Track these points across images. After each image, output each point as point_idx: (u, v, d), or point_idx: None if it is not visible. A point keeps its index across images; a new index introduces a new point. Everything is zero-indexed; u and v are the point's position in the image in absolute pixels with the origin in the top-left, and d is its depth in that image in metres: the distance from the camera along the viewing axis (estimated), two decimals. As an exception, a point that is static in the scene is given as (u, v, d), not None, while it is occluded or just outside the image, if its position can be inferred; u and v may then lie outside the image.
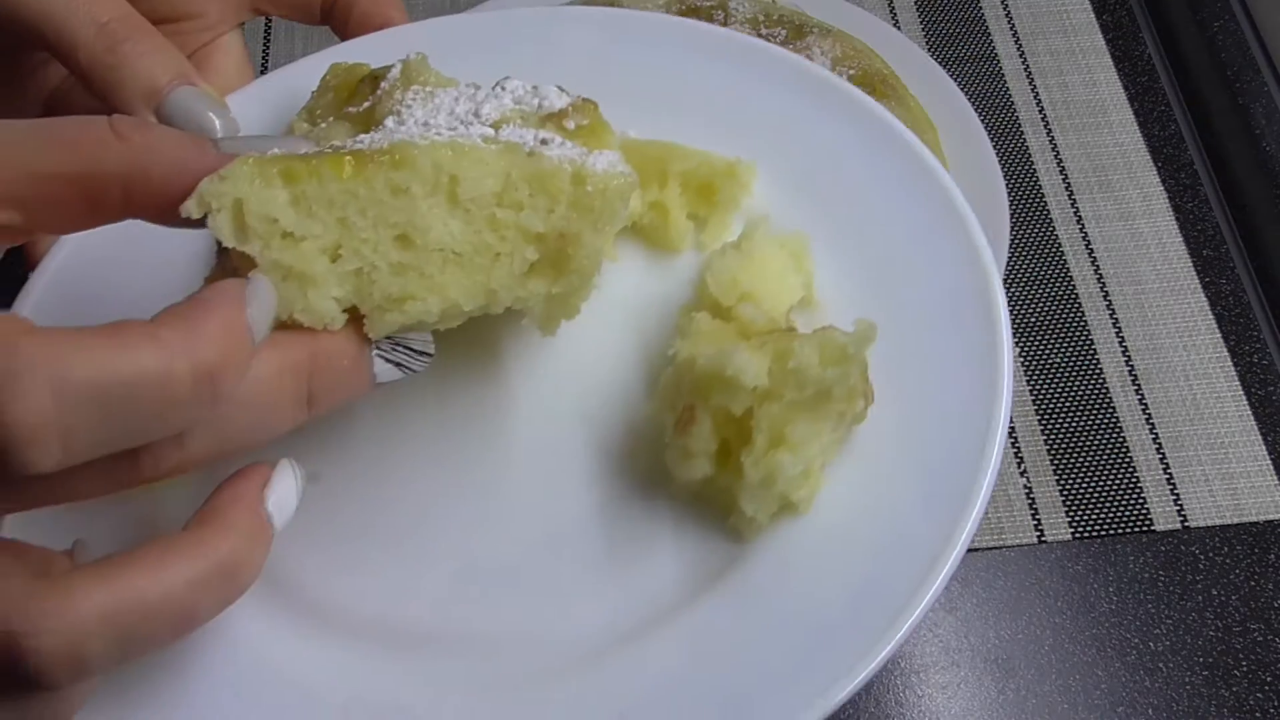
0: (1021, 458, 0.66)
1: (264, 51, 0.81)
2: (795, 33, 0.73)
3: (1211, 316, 0.71)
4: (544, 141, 0.35)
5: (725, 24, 0.74)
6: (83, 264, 0.42)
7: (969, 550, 0.63)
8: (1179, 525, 0.64)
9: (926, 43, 0.83)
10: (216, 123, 0.42)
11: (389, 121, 0.36)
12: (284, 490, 0.32)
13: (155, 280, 0.40)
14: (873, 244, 0.42)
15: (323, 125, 0.40)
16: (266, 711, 0.35)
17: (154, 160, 0.30)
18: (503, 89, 0.37)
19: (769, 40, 0.73)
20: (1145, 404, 0.68)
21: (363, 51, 0.44)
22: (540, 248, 0.34)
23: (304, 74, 0.44)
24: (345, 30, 0.48)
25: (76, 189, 0.29)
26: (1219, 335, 0.70)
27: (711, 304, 0.40)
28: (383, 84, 0.40)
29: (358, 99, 0.40)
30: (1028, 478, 0.65)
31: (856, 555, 0.36)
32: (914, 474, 0.38)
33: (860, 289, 0.42)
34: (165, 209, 0.31)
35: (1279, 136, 0.76)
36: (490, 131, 0.35)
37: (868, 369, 0.38)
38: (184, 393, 0.27)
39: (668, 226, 0.44)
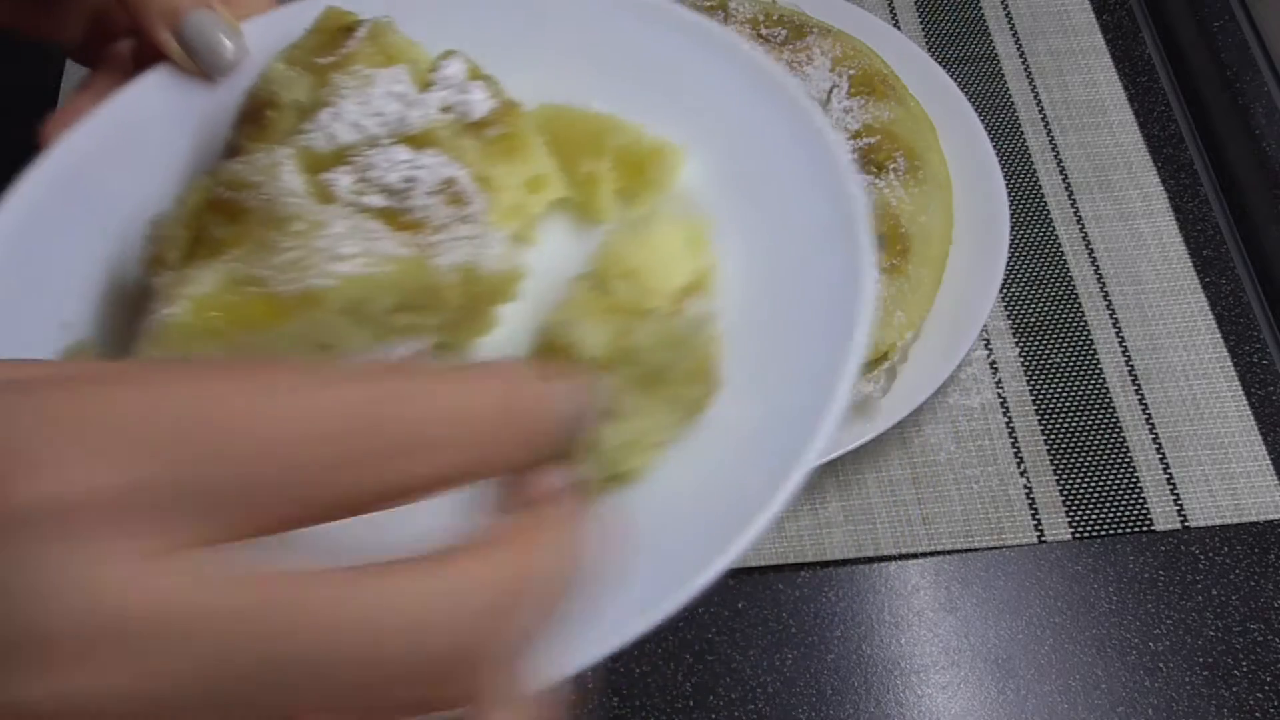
0: (1021, 458, 0.66)
1: None
2: (795, 33, 0.73)
3: (1211, 316, 0.71)
4: (457, 199, 0.38)
5: (725, 24, 0.74)
6: (80, 163, 0.43)
7: (969, 550, 0.63)
8: (1179, 525, 0.64)
9: (926, 43, 0.83)
10: (229, 46, 0.43)
11: (324, 114, 0.39)
12: None
13: (153, 183, 0.42)
14: (779, 237, 0.43)
15: (292, 74, 0.41)
16: None
17: None
18: (436, 81, 0.39)
19: (769, 41, 0.73)
20: (1145, 404, 0.68)
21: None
22: (439, 331, 0.39)
23: (314, 9, 0.45)
24: None
25: None
26: (1219, 335, 0.70)
27: (597, 278, 0.41)
28: (350, 41, 0.41)
29: (331, 48, 0.42)
30: (1028, 478, 0.65)
31: (683, 523, 0.37)
32: (755, 453, 0.38)
33: (755, 281, 0.42)
34: None
35: (1279, 136, 0.76)
36: (408, 156, 0.38)
37: (713, 360, 0.38)
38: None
39: (595, 199, 0.44)
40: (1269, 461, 0.66)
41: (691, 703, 0.59)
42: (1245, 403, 0.68)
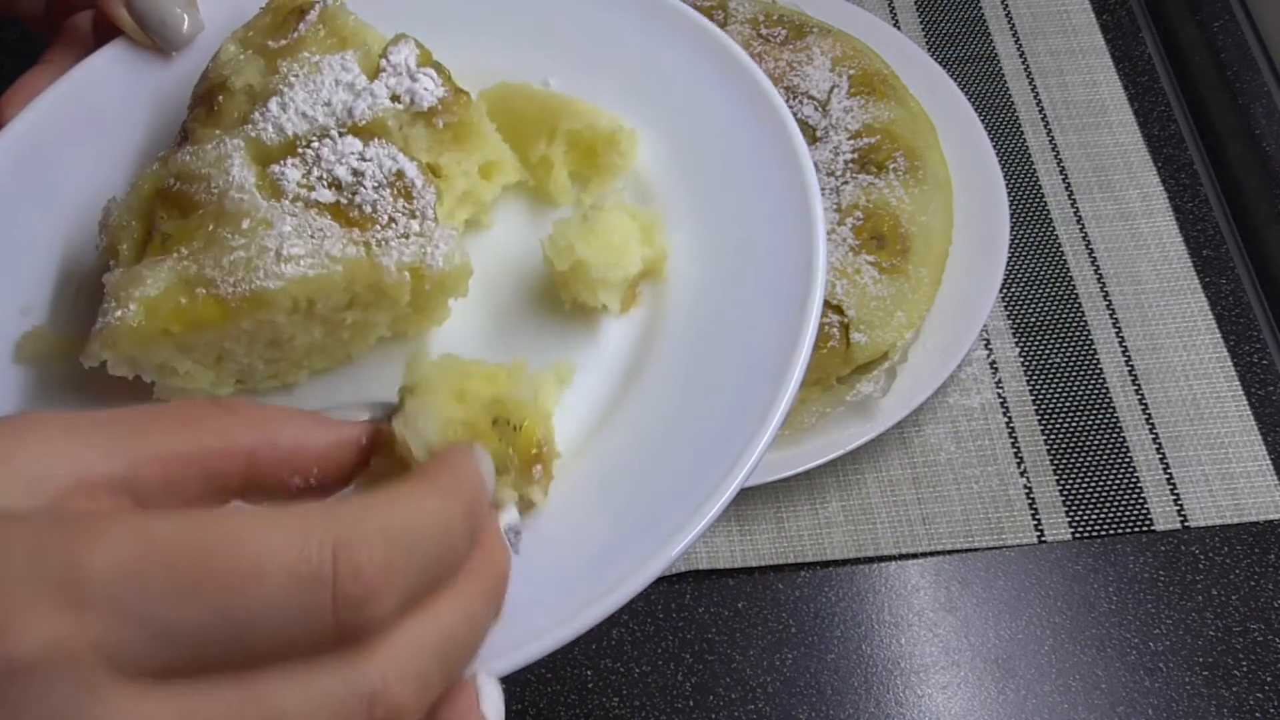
0: (1021, 458, 0.66)
1: None
2: (795, 32, 0.73)
3: (1211, 316, 0.71)
4: (405, 192, 0.38)
5: (725, 24, 0.74)
6: (37, 141, 0.42)
7: (969, 550, 0.63)
8: (1179, 525, 0.64)
9: (926, 43, 0.83)
10: (183, 20, 0.42)
11: (273, 104, 0.38)
12: (494, 697, 0.31)
13: (111, 162, 0.42)
14: (734, 224, 0.42)
15: (241, 57, 0.41)
16: None
17: (279, 432, 0.30)
18: (385, 67, 0.39)
19: (769, 41, 0.73)
20: (1145, 404, 0.68)
21: None
22: (390, 326, 0.39)
23: None
24: None
25: (198, 468, 0.29)
26: (1219, 335, 0.70)
27: (551, 268, 0.41)
28: (301, 24, 0.41)
29: (284, 30, 0.41)
30: (1028, 478, 0.65)
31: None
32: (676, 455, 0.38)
33: (709, 268, 0.42)
34: (285, 480, 0.30)
35: (1279, 136, 0.76)
36: (357, 148, 0.38)
37: (536, 443, 0.36)
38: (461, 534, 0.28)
39: (550, 182, 0.44)
40: (1269, 461, 0.66)
41: (691, 703, 0.59)
42: (1245, 403, 0.68)
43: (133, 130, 0.43)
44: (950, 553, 0.63)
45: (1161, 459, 0.66)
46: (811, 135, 0.69)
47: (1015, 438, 0.67)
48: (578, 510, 0.36)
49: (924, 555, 0.63)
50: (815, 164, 0.67)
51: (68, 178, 0.42)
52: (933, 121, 0.72)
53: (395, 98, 0.39)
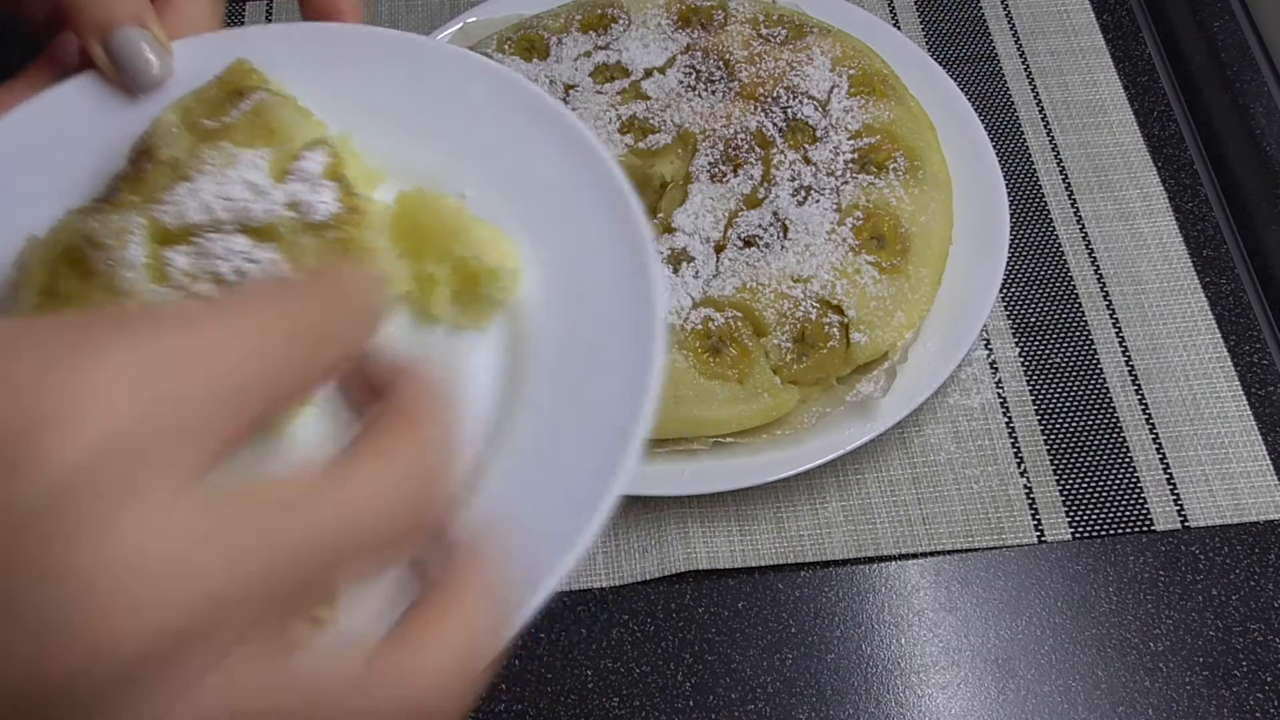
0: (1021, 458, 0.66)
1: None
2: (795, 32, 0.73)
3: (1211, 316, 0.71)
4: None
5: (725, 24, 0.74)
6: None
7: (969, 550, 0.63)
8: (1179, 525, 0.64)
9: (926, 43, 0.83)
10: (154, 64, 0.43)
11: (182, 188, 0.40)
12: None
13: (56, 192, 0.42)
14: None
15: (174, 130, 0.42)
16: None
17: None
18: (292, 171, 0.40)
19: (769, 41, 0.73)
20: (1145, 404, 0.68)
21: (244, 45, 0.45)
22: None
23: (247, 43, 0.45)
24: (303, 8, 0.49)
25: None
26: (1219, 335, 0.70)
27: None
28: (235, 110, 0.42)
29: (222, 109, 0.42)
30: (1028, 478, 0.65)
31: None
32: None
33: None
34: None
35: (1279, 136, 0.76)
36: (245, 248, 0.39)
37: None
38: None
39: (432, 300, 0.45)
40: (1269, 461, 0.66)
41: (691, 703, 0.59)
42: (1245, 403, 0.68)
43: (83, 163, 0.44)
44: (950, 553, 0.63)
45: (1161, 459, 0.66)
46: (811, 135, 0.69)
47: (1015, 438, 0.67)
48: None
49: (924, 555, 0.63)
50: (815, 164, 0.68)
51: (15, 202, 0.43)
52: (933, 121, 0.72)
53: (293, 205, 0.40)
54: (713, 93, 0.71)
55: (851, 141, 0.68)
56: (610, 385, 0.40)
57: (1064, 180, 0.77)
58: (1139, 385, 0.69)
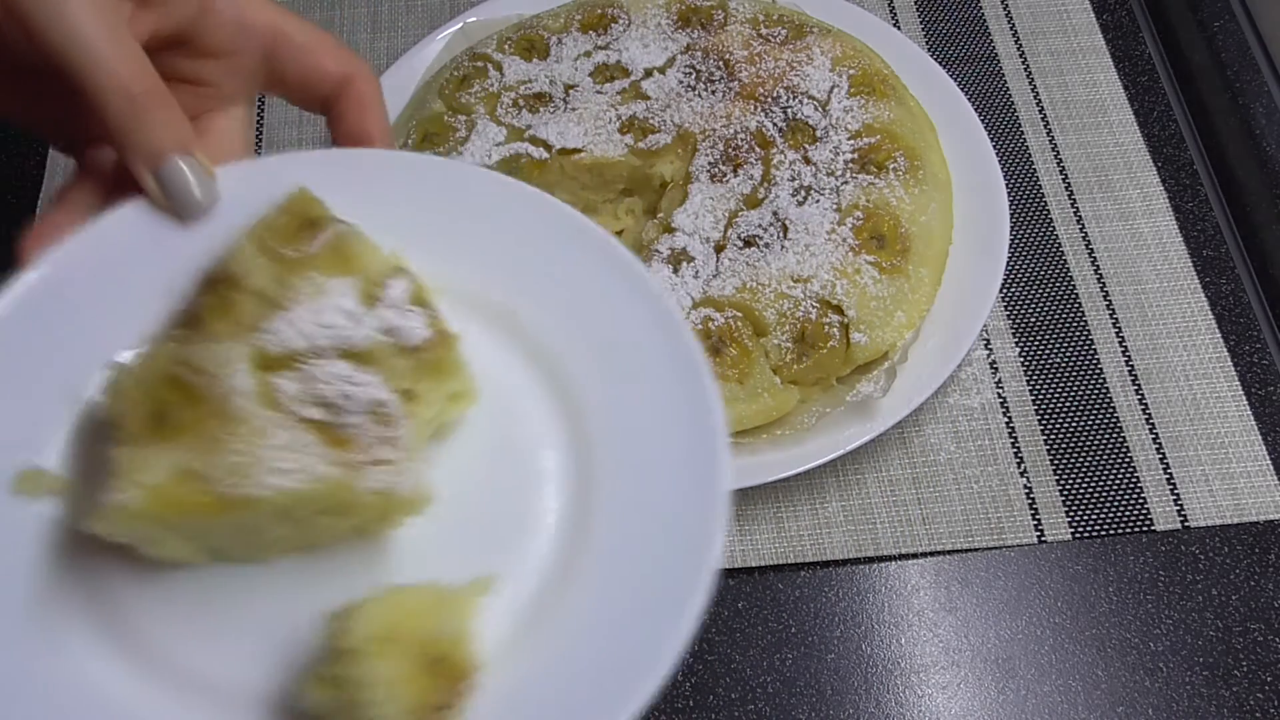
0: (1021, 458, 0.66)
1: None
2: (795, 32, 0.73)
3: (1211, 316, 0.71)
4: (384, 420, 0.42)
5: (725, 24, 0.74)
6: (57, 286, 0.45)
7: (969, 550, 0.63)
8: (1179, 525, 0.64)
9: (926, 43, 0.83)
10: (203, 194, 0.45)
11: (279, 319, 0.42)
12: None
13: (121, 316, 0.45)
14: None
15: (259, 261, 0.44)
16: None
17: None
18: (381, 298, 0.43)
19: (769, 40, 0.73)
20: (1145, 404, 0.68)
21: (297, 171, 0.47)
22: (354, 529, 0.43)
23: (291, 170, 0.47)
24: (334, 135, 0.51)
25: None
26: (1219, 335, 0.70)
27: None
28: (314, 242, 0.44)
29: (298, 240, 0.44)
30: (1028, 478, 0.65)
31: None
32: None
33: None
34: None
35: (1279, 136, 0.76)
36: (346, 372, 0.42)
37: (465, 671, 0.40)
38: None
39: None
40: (1269, 461, 0.66)
41: (691, 703, 0.59)
42: (1245, 403, 0.68)
43: (143, 288, 0.45)
44: (950, 553, 0.63)
45: (1161, 459, 0.66)
46: (811, 135, 0.69)
47: (1015, 438, 0.67)
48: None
49: (924, 555, 0.63)
50: (815, 164, 0.68)
51: (82, 328, 0.45)
52: (933, 121, 0.72)
53: (388, 330, 0.43)
54: (713, 93, 0.71)
55: (851, 141, 0.68)
56: (668, 573, 0.41)
57: (1064, 180, 0.77)
58: (1139, 385, 0.69)
